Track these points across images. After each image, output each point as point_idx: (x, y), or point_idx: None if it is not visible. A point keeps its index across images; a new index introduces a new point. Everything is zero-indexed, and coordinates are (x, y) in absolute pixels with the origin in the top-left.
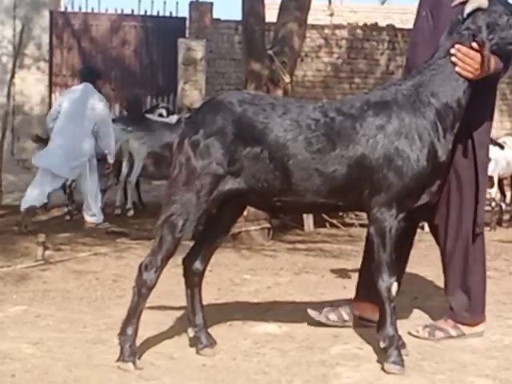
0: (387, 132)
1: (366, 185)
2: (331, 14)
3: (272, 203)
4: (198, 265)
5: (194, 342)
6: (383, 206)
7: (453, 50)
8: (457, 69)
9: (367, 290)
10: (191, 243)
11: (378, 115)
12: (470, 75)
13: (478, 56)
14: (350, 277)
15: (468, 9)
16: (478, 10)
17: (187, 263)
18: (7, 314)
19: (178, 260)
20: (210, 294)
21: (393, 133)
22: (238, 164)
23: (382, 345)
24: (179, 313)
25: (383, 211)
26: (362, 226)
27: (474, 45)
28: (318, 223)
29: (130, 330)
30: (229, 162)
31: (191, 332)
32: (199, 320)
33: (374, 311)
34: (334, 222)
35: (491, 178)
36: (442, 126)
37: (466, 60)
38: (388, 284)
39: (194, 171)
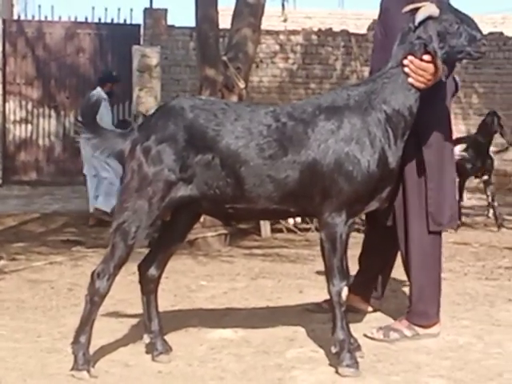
0: (338, 137)
1: (317, 190)
2: (285, 20)
3: (225, 210)
4: (153, 271)
5: (150, 349)
6: (334, 211)
7: (406, 61)
8: (410, 80)
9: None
10: (147, 250)
11: (329, 120)
12: (422, 86)
13: (430, 67)
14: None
15: (419, 17)
16: (428, 18)
17: (143, 269)
18: None
19: (133, 267)
20: (167, 300)
21: (344, 138)
22: (190, 170)
23: (334, 350)
24: (134, 320)
25: (334, 216)
26: (318, 230)
27: (426, 57)
28: (275, 228)
29: (83, 339)
30: (181, 169)
31: (147, 338)
32: (155, 326)
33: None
34: (291, 226)
35: None
36: (393, 132)
37: (419, 72)
38: (338, 288)
39: (146, 178)
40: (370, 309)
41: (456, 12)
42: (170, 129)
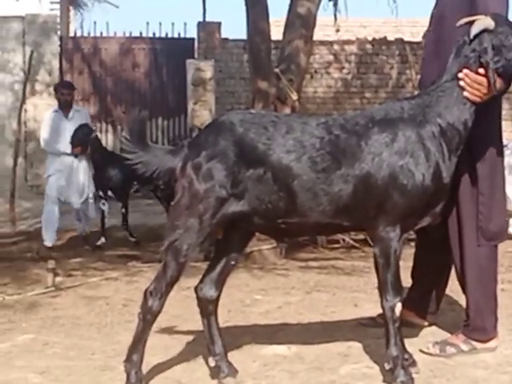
0: (392, 150)
1: (371, 204)
2: (337, 30)
3: (277, 226)
4: (211, 292)
5: (216, 372)
6: (388, 225)
7: (460, 75)
8: (465, 93)
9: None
10: (202, 264)
11: (383, 133)
12: (477, 99)
13: (485, 81)
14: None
15: (474, 30)
16: (484, 31)
17: (200, 292)
18: (15, 343)
19: (187, 283)
20: (220, 316)
21: (398, 151)
22: (242, 186)
23: (387, 366)
24: (188, 337)
25: (388, 231)
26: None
27: (481, 70)
28: (331, 240)
29: (135, 357)
30: (232, 184)
31: (212, 361)
32: (219, 349)
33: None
34: (347, 238)
35: None
36: (448, 147)
37: (474, 85)
38: (392, 304)
39: (197, 195)
40: (425, 323)
41: None
42: (220, 144)
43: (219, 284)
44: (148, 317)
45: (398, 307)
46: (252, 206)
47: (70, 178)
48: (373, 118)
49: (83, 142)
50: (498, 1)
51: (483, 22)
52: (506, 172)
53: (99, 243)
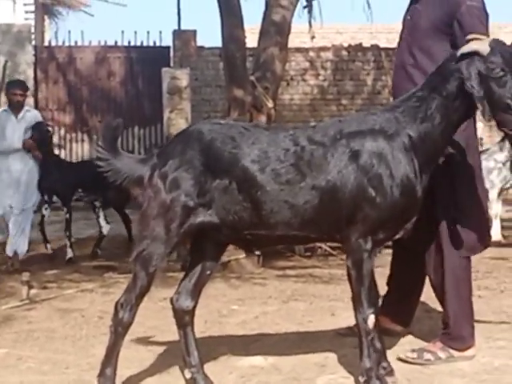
0: (360, 163)
1: (340, 216)
2: (312, 37)
3: (244, 237)
4: (187, 303)
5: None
6: (359, 237)
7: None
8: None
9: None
10: (179, 274)
11: (350, 145)
12: None
13: None
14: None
15: (465, 49)
16: (475, 53)
17: (176, 303)
18: None
19: (164, 293)
20: (197, 326)
21: (366, 164)
22: (209, 196)
23: (362, 379)
24: (164, 348)
25: (360, 243)
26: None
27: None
28: (309, 248)
29: (108, 371)
30: (198, 194)
31: (188, 373)
32: (195, 360)
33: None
34: (324, 246)
35: None
36: (421, 160)
37: None
38: (364, 316)
39: (164, 204)
40: (399, 329)
41: (508, 57)
42: (187, 154)
43: (195, 294)
44: (119, 329)
45: (371, 319)
46: (219, 216)
47: (16, 181)
48: (342, 129)
49: (41, 139)
50: (479, 19)
51: (478, 44)
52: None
53: (49, 251)
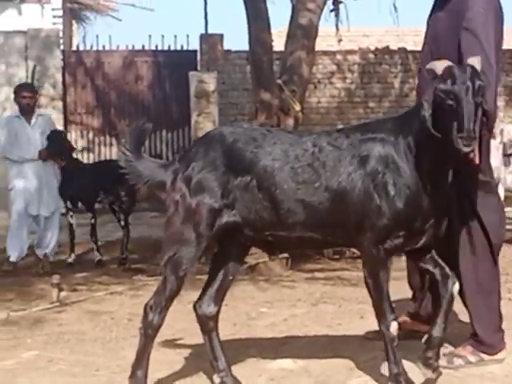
0: (367, 170)
1: (349, 221)
2: (339, 41)
3: (265, 238)
4: (210, 308)
5: None
6: (371, 246)
7: None
8: None
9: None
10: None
11: (360, 151)
12: None
13: None
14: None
15: (438, 67)
16: (453, 69)
17: (199, 309)
18: (19, 361)
19: (193, 296)
20: (226, 329)
21: (372, 171)
22: (232, 195)
23: None
24: (193, 351)
25: (373, 251)
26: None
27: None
28: (337, 250)
29: (139, 373)
30: (222, 195)
31: (217, 378)
32: (222, 365)
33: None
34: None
35: None
36: (428, 170)
37: None
38: (387, 323)
39: (190, 207)
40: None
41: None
42: (209, 155)
43: (218, 300)
44: (149, 331)
45: (394, 326)
46: (242, 216)
47: (38, 187)
48: (355, 135)
49: (59, 150)
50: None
51: (440, 65)
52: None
53: (70, 260)
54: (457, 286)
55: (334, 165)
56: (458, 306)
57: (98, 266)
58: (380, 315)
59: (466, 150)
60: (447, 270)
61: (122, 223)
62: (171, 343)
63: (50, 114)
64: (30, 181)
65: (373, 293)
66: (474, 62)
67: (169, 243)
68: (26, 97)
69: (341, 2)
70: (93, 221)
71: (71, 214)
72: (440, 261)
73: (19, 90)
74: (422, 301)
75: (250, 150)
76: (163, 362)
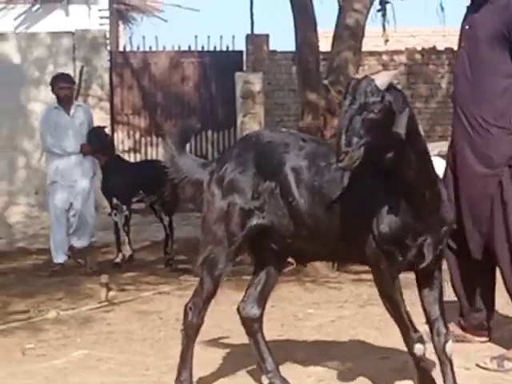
0: (360, 188)
1: (351, 238)
2: (386, 41)
3: (288, 245)
4: (254, 311)
5: None
6: (372, 266)
7: None
8: None
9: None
10: None
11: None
12: None
13: None
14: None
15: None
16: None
17: (243, 311)
18: (70, 359)
19: (240, 296)
20: (273, 330)
21: (363, 190)
22: (262, 198)
23: None
24: (241, 352)
25: (375, 272)
26: None
27: None
28: None
29: (184, 374)
30: (252, 196)
31: (265, 380)
32: (271, 366)
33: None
34: None
35: None
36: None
37: None
38: (412, 344)
39: (222, 208)
40: (481, 338)
41: (365, 107)
42: (242, 157)
43: (261, 302)
44: (190, 332)
45: (417, 348)
46: (269, 220)
47: (74, 181)
48: None
49: (101, 147)
50: None
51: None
52: None
53: (118, 260)
54: (450, 345)
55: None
56: (507, 308)
57: (131, 261)
58: (403, 335)
59: (339, 165)
60: (442, 326)
61: (166, 223)
62: (219, 343)
63: (89, 105)
64: (68, 174)
65: (391, 312)
66: (379, 77)
67: (203, 244)
68: (64, 87)
69: (388, 2)
70: (127, 213)
71: (115, 212)
72: (438, 312)
73: (56, 81)
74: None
75: (277, 156)
76: (212, 362)
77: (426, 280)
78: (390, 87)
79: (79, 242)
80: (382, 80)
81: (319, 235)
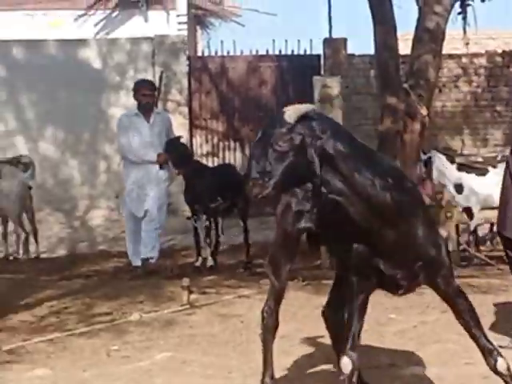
0: None
1: None
2: (467, 44)
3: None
4: (337, 315)
5: None
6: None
7: None
8: None
9: None
10: None
11: None
12: None
13: None
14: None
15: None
16: None
17: (325, 315)
18: (154, 361)
19: (321, 300)
20: None
21: None
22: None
23: None
24: (323, 356)
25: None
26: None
27: None
28: (465, 257)
29: (267, 378)
30: (303, 198)
31: None
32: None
33: None
34: (481, 256)
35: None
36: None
37: None
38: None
39: (282, 210)
40: None
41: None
42: None
43: (344, 305)
44: (266, 335)
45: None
46: (315, 224)
47: (146, 189)
48: None
49: (179, 158)
50: None
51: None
52: None
53: (198, 264)
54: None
55: None
56: None
57: (211, 270)
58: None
59: (247, 193)
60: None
61: (242, 227)
62: (301, 348)
63: (168, 113)
64: (144, 182)
65: None
66: (288, 112)
67: (270, 245)
68: (147, 95)
69: (469, 5)
70: (207, 223)
71: (195, 217)
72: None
73: (139, 87)
74: None
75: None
76: (295, 365)
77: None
78: (302, 120)
79: (145, 252)
80: (290, 112)
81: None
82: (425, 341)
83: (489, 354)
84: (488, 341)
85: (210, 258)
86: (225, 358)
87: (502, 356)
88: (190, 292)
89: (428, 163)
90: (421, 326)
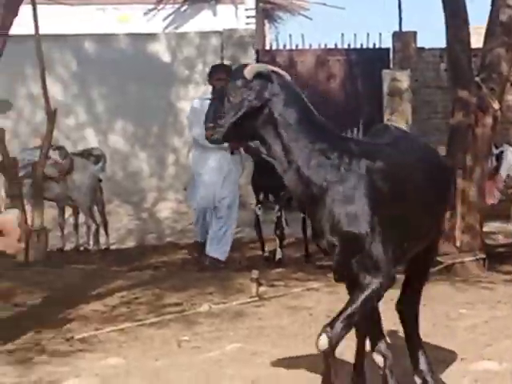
0: None
1: None
2: None
3: None
4: (408, 307)
5: None
6: None
7: None
8: None
9: None
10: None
11: None
12: None
13: None
14: None
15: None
16: None
17: (398, 308)
18: (224, 352)
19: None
20: (425, 329)
21: None
22: None
23: None
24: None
25: None
26: None
27: None
28: None
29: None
30: None
31: (418, 379)
32: (423, 365)
33: None
34: None
35: None
36: None
37: None
38: None
39: None
40: None
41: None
42: None
43: (415, 299)
44: None
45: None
46: None
47: (217, 178)
48: None
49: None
50: None
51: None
52: None
53: (267, 254)
54: None
55: None
56: None
57: (279, 262)
58: None
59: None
60: None
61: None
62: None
63: None
64: (212, 170)
65: None
66: (248, 68)
67: None
68: (222, 79)
69: None
70: (278, 214)
71: (259, 206)
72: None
73: (214, 71)
74: None
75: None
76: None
77: None
78: (259, 76)
79: (213, 251)
80: (249, 68)
81: None
82: (496, 336)
83: None
84: None
85: (278, 249)
86: (295, 350)
87: None
88: (259, 284)
89: (499, 157)
90: (492, 321)
